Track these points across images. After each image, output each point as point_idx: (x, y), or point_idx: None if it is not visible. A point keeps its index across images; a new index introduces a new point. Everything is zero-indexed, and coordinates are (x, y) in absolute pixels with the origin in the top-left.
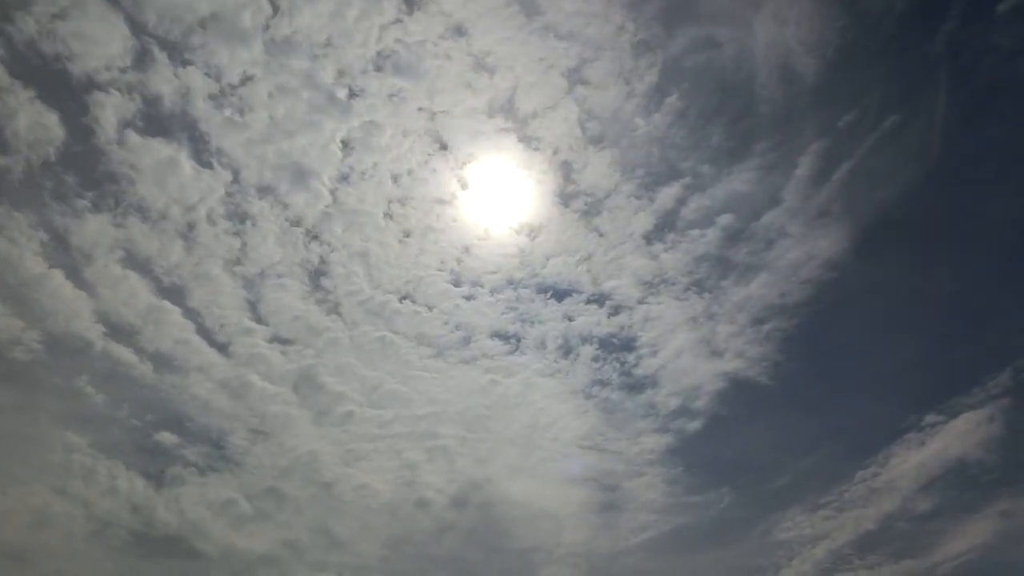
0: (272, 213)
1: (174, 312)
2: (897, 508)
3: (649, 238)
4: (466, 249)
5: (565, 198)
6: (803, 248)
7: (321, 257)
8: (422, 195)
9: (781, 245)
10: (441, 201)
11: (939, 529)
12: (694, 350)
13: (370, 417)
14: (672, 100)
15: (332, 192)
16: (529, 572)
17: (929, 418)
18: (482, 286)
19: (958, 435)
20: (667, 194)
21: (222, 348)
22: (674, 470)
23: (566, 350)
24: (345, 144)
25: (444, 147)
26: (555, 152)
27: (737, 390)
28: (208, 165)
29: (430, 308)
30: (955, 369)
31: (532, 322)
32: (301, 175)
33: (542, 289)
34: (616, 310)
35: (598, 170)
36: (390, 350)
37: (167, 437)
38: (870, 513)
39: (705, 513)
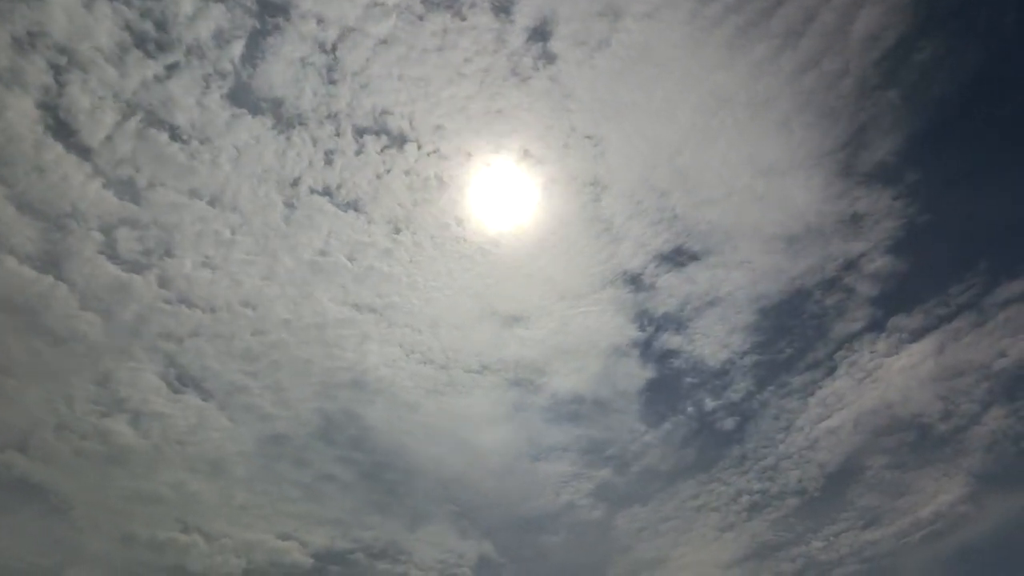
0: None
1: None
2: (842, 466)
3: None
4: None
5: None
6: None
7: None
8: None
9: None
10: None
11: (899, 492)
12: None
13: (169, 318)
14: None
15: None
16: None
17: (868, 338)
18: (277, 106)
19: (902, 373)
20: None
21: None
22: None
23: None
24: None
25: None
26: None
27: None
28: None
29: (201, 141)
30: (900, 283)
31: (368, 173)
32: None
33: (366, 129)
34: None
35: None
36: (168, 213)
37: None
38: (812, 472)
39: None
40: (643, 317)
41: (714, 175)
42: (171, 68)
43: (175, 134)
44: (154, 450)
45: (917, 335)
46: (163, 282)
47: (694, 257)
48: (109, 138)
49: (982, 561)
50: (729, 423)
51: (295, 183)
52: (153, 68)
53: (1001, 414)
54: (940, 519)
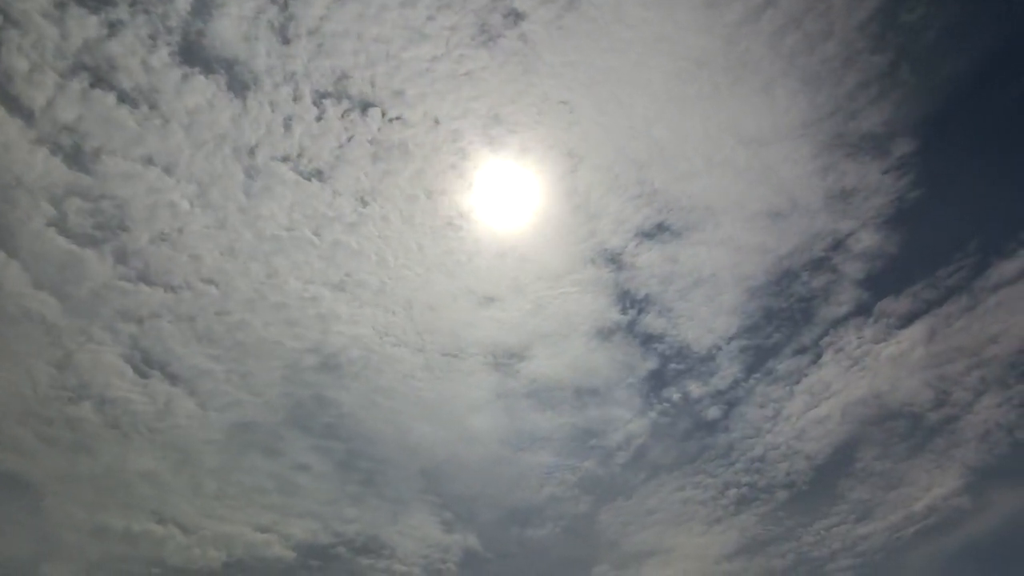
0: None
1: None
2: (831, 458)
3: None
4: None
5: None
6: None
7: None
8: None
9: None
10: None
11: (890, 485)
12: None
13: (128, 297)
14: None
15: None
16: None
17: (855, 323)
18: (230, 67)
19: (891, 360)
20: None
21: None
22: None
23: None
24: None
25: None
26: None
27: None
28: None
29: (150, 105)
30: (889, 264)
31: (329, 141)
32: None
33: (326, 93)
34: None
35: None
36: (120, 183)
37: None
38: (801, 464)
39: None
40: (625, 299)
41: (693, 146)
42: (114, 25)
43: (123, 97)
44: (123, 438)
45: (906, 320)
46: (119, 258)
47: (676, 235)
48: (51, 102)
49: (979, 556)
50: (715, 411)
51: (253, 151)
52: (95, 25)
53: (994, 403)
54: (934, 513)
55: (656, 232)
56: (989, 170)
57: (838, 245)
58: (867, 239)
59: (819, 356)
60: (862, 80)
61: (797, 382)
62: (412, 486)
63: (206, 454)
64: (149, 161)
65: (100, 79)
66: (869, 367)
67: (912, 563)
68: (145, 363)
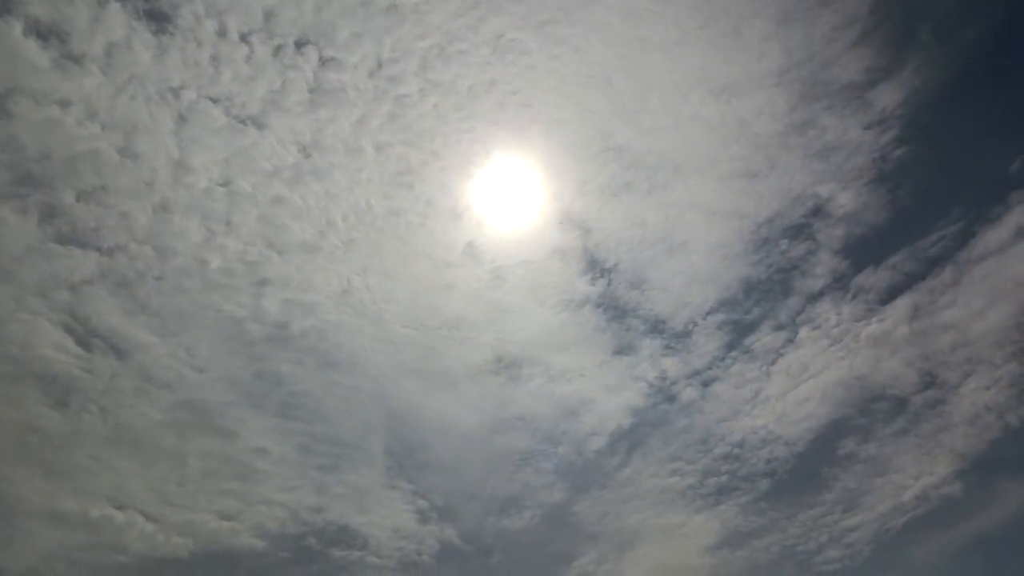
0: None
1: None
2: (812, 444)
3: None
4: None
5: None
6: None
7: None
8: None
9: None
10: None
11: (876, 473)
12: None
13: (57, 261)
14: None
15: None
16: None
17: (832, 297)
18: None
19: (872, 339)
20: None
21: None
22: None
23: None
24: None
25: None
26: None
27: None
28: None
29: (61, 39)
30: (870, 231)
31: (262, 85)
32: None
33: (253, 30)
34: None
35: None
36: (37, 130)
37: None
38: (781, 451)
39: None
40: (594, 268)
41: (658, 98)
42: None
43: (30, 29)
44: (73, 416)
45: (887, 296)
46: (44, 216)
47: (645, 196)
48: None
49: (975, 550)
50: (691, 392)
51: (178, 94)
52: None
53: (982, 384)
54: (924, 503)
55: (623, 193)
56: (975, 124)
57: (818, 210)
58: (848, 202)
59: (796, 334)
60: (839, 22)
61: (774, 362)
62: (381, 472)
63: (158, 435)
64: (67, 104)
65: (3, 8)
66: (849, 346)
67: (904, 556)
68: (84, 336)
